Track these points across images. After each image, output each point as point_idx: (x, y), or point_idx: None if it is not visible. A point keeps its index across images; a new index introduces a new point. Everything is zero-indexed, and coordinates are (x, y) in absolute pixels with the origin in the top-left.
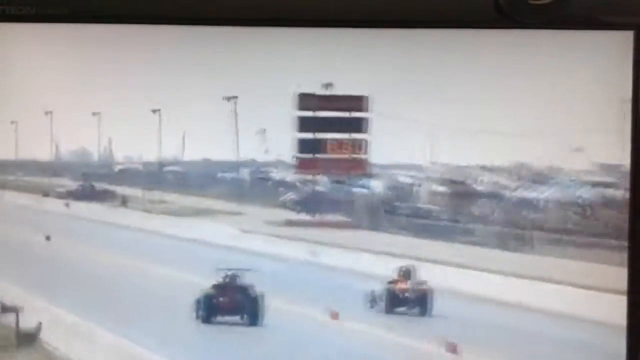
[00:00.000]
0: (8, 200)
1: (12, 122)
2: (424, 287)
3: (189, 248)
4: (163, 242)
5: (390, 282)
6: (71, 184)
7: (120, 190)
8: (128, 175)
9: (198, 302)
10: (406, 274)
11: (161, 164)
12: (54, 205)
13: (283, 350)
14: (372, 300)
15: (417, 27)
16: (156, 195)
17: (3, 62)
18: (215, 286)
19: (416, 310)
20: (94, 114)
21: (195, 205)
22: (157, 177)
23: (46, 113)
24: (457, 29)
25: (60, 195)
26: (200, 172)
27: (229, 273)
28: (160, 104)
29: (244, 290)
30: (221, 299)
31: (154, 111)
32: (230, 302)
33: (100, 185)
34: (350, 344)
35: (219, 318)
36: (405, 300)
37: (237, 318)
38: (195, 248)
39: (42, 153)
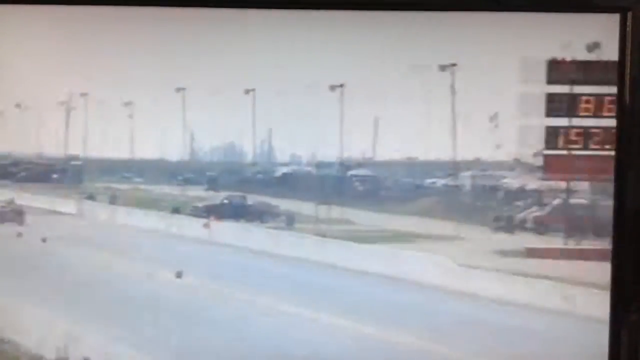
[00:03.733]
0: None
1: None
2: None
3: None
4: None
5: None
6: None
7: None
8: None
9: None
10: None
11: (345, 166)
12: None
13: None
14: None
15: (412, 10)
16: (333, 211)
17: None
18: None
19: None
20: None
21: (392, 227)
22: (338, 183)
23: None
24: (448, 12)
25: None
26: (395, 177)
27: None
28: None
29: None
30: None
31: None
32: None
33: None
34: None
35: None
36: None
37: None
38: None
39: None
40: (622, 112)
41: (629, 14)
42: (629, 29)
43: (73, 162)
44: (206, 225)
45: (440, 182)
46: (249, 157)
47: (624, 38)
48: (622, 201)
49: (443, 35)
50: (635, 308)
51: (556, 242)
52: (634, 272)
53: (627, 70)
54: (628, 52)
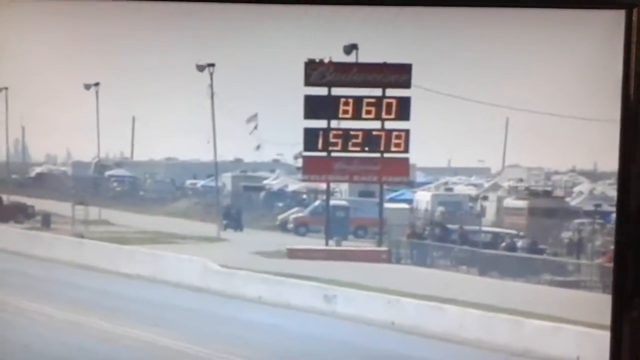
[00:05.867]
0: None
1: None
2: None
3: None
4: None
5: None
6: None
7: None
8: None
9: None
10: None
11: (102, 166)
12: None
13: None
14: None
15: (421, 5)
16: (91, 212)
17: None
18: None
19: None
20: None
21: (152, 228)
22: (95, 183)
23: None
24: (457, 7)
25: None
26: (160, 179)
27: None
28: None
29: None
30: None
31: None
32: None
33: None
34: None
35: None
36: None
37: None
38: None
39: None
40: (627, 107)
41: (635, 10)
42: (634, 24)
43: None
44: None
45: (200, 183)
46: (2, 157)
47: (629, 34)
48: (625, 198)
49: (202, 34)
50: (637, 305)
51: (317, 243)
52: (635, 269)
53: (632, 66)
54: (633, 47)
